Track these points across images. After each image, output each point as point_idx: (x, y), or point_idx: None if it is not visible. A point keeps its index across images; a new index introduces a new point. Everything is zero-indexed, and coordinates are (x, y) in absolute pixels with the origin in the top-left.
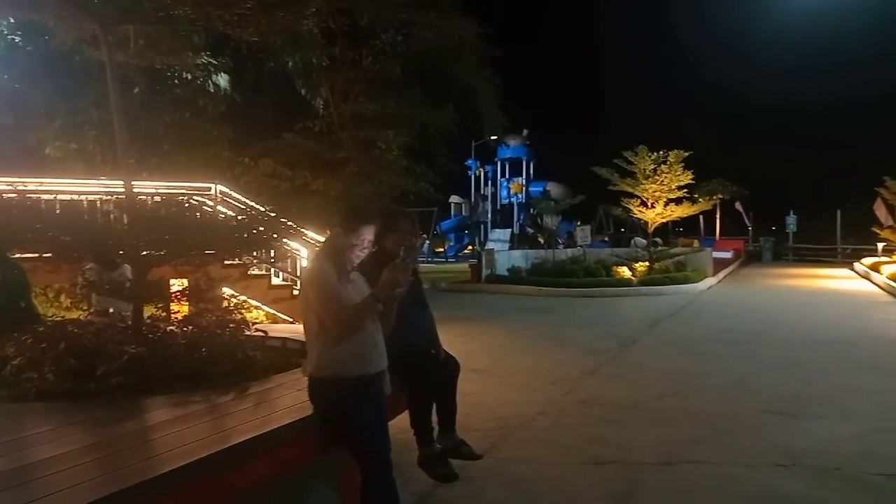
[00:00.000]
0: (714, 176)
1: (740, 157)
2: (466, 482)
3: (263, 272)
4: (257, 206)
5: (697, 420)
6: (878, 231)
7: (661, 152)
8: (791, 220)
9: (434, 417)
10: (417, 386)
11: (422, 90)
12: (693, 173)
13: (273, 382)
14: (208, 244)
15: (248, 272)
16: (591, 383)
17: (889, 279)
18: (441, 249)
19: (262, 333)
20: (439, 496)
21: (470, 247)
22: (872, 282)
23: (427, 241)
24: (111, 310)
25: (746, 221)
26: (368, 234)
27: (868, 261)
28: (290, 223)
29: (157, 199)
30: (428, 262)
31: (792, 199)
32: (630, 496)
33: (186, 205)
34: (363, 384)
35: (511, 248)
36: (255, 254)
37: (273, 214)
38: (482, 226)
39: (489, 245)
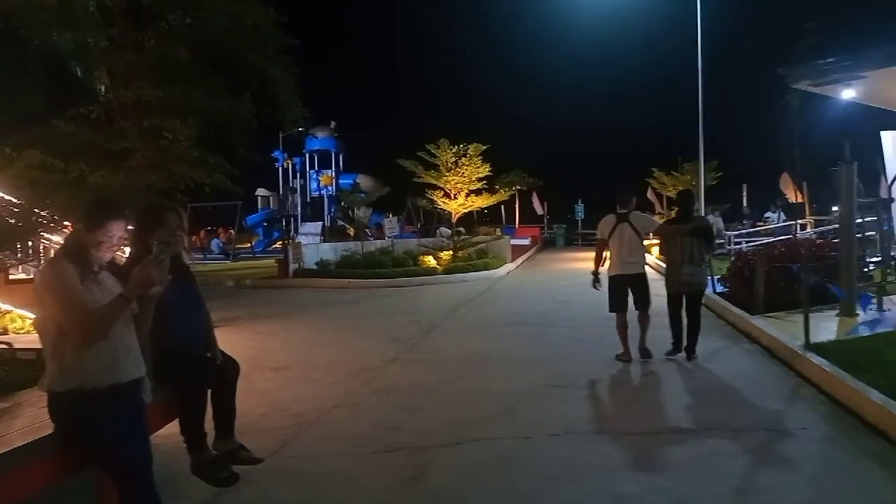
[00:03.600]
0: (512, 168)
1: (535, 151)
2: (251, 485)
3: (30, 276)
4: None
5: (486, 399)
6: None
7: (462, 145)
8: (580, 209)
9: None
10: (189, 391)
11: (216, 77)
12: (492, 165)
13: (14, 401)
14: None
15: (9, 277)
16: (390, 372)
17: (657, 259)
18: (248, 245)
19: (5, 346)
20: (222, 503)
21: (280, 241)
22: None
23: (218, 238)
24: None
25: (541, 210)
26: (118, 230)
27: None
28: (49, 216)
29: None
30: (203, 261)
31: (580, 189)
32: (417, 480)
33: None
34: (115, 395)
35: (323, 241)
36: (18, 255)
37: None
38: (292, 219)
39: (300, 238)
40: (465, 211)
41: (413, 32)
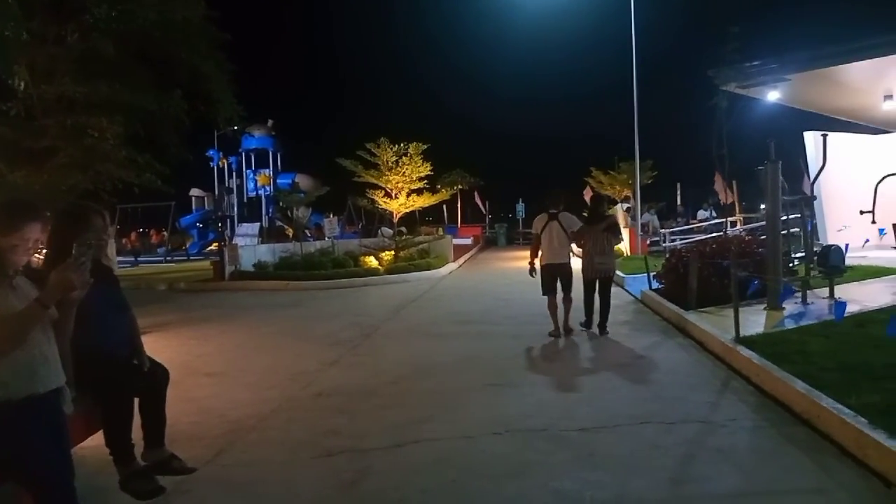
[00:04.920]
0: (454, 167)
1: (477, 151)
2: (184, 495)
3: None
4: None
5: (428, 400)
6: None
7: (402, 145)
8: (520, 208)
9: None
10: (113, 400)
11: (145, 73)
12: (434, 165)
13: None
14: None
15: None
16: (329, 375)
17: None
18: (182, 247)
19: None
20: None
21: (216, 243)
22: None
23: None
24: None
25: (483, 209)
26: (34, 233)
27: None
28: None
29: None
30: (133, 264)
31: (521, 188)
32: (356, 483)
33: None
34: (32, 406)
35: (261, 242)
36: None
37: None
38: (229, 220)
39: (237, 240)
40: (407, 211)
41: (353, 31)
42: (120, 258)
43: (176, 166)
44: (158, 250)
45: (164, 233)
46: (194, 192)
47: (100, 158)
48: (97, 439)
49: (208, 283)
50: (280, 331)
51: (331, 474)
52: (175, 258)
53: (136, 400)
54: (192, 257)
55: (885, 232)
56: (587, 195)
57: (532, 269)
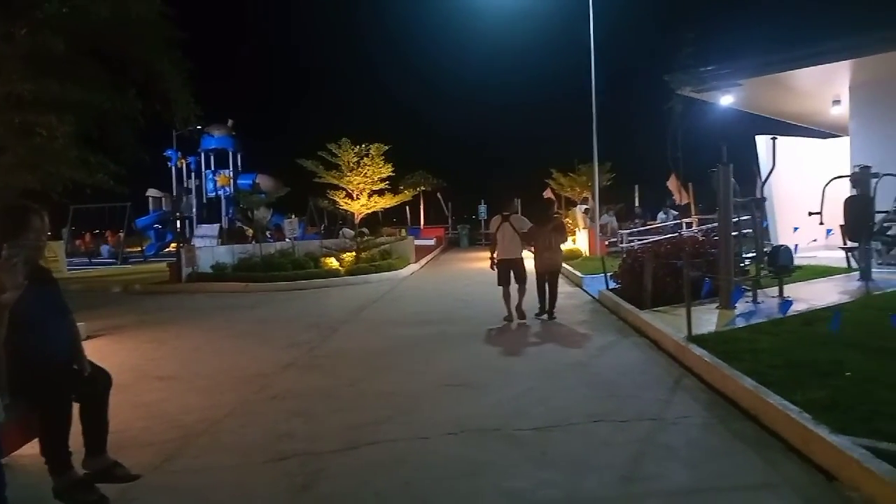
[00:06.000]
0: (416, 169)
1: (440, 152)
2: None
3: None
4: None
5: (384, 401)
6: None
7: (364, 145)
8: (483, 209)
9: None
10: (51, 406)
11: (98, 71)
12: (396, 166)
13: None
14: None
15: None
16: (286, 377)
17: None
18: (139, 249)
19: None
20: None
21: (174, 244)
22: None
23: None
24: None
25: (446, 211)
26: None
27: None
28: None
29: None
30: (88, 265)
31: (484, 190)
32: (309, 487)
33: None
34: None
35: (220, 243)
36: None
37: None
38: (188, 221)
39: (196, 241)
40: (369, 212)
41: (314, 31)
42: (73, 260)
43: (131, 166)
44: (103, 250)
45: (120, 234)
46: (151, 192)
47: (49, 158)
48: (35, 447)
49: (164, 286)
50: (237, 333)
51: (283, 478)
52: (131, 260)
53: (77, 406)
54: (148, 259)
55: (832, 232)
56: (547, 196)
57: (492, 264)
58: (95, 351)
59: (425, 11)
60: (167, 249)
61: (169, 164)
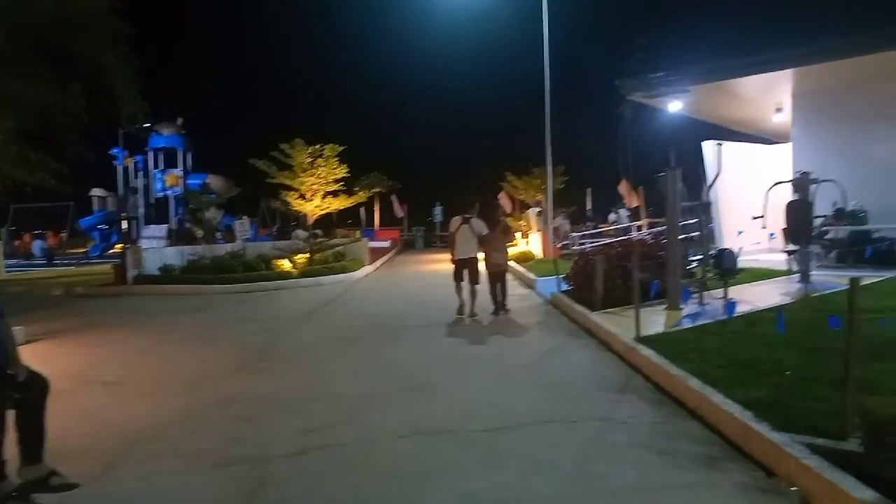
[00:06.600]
0: (371, 170)
1: (395, 154)
2: None
3: None
4: None
5: (335, 405)
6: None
7: (318, 146)
8: (437, 211)
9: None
10: None
11: (41, 66)
12: (350, 167)
13: None
14: None
15: None
16: (234, 382)
17: (512, 258)
18: (83, 249)
19: None
20: None
21: (119, 245)
22: None
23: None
24: None
25: (401, 213)
26: None
27: None
28: None
29: None
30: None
31: (439, 191)
32: (257, 492)
33: None
34: None
35: (169, 244)
36: None
37: None
38: (135, 221)
39: (143, 242)
40: (322, 213)
41: (265, 29)
42: (12, 261)
43: (75, 165)
44: (35, 246)
45: (62, 235)
46: (95, 191)
47: None
48: None
49: (109, 288)
50: (184, 336)
51: (230, 484)
52: (63, 261)
53: (12, 413)
54: (92, 260)
55: (774, 236)
56: (502, 199)
57: (453, 259)
58: (35, 356)
59: (381, 12)
60: (112, 251)
61: (115, 162)
